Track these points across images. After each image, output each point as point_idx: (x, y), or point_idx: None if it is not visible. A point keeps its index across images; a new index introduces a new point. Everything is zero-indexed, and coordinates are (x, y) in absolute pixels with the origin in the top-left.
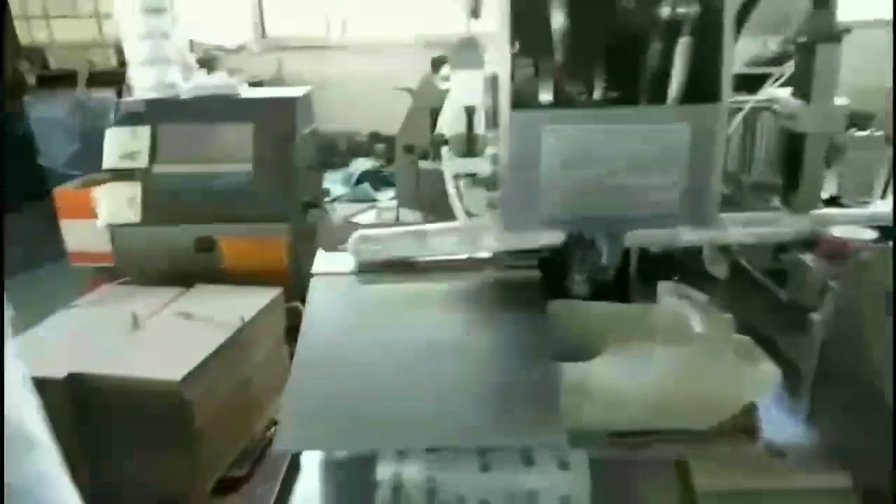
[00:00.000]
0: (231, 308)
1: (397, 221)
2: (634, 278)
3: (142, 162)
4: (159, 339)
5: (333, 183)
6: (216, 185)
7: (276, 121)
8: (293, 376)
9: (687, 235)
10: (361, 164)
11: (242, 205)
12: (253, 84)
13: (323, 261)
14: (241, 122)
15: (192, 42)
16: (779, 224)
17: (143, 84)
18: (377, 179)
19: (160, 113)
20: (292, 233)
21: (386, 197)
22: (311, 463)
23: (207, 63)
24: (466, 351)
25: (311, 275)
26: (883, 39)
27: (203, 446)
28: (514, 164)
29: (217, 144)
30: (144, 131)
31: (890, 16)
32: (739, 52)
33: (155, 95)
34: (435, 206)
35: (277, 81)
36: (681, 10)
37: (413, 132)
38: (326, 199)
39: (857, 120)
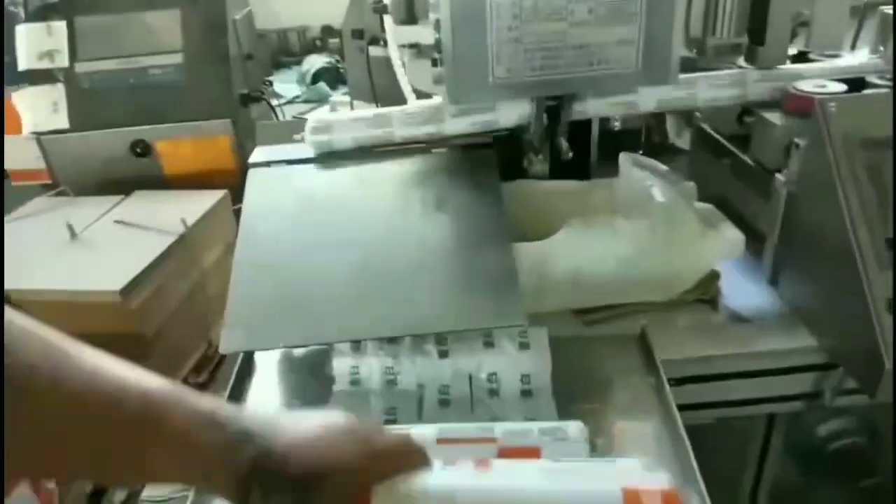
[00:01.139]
0: (173, 213)
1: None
2: (596, 155)
3: (62, 61)
4: (97, 249)
5: (288, 83)
6: (146, 82)
7: (205, 4)
8: (235, 274)
9: (656, 99)
10: (315, 62)
11: (176, 102)
12: None
13: (261, 153)
14: (165, 8)
15: None
16: (749, 81)
17: None
18: (333, 77)
19: (75, 4)
20: (235, 130)
21: (343, 92)
22: (266, 364)
23: None
24: (420, 237)
25: (248, 166)
26: None
27: (154, 356)
28: (456, 27)
29: (142, 36)
30: (60, 27)
31: None
32: None
33: None
34: (390, 94)
35: None
36: None
37: (360, 16)
38: (281, 100)
39: None
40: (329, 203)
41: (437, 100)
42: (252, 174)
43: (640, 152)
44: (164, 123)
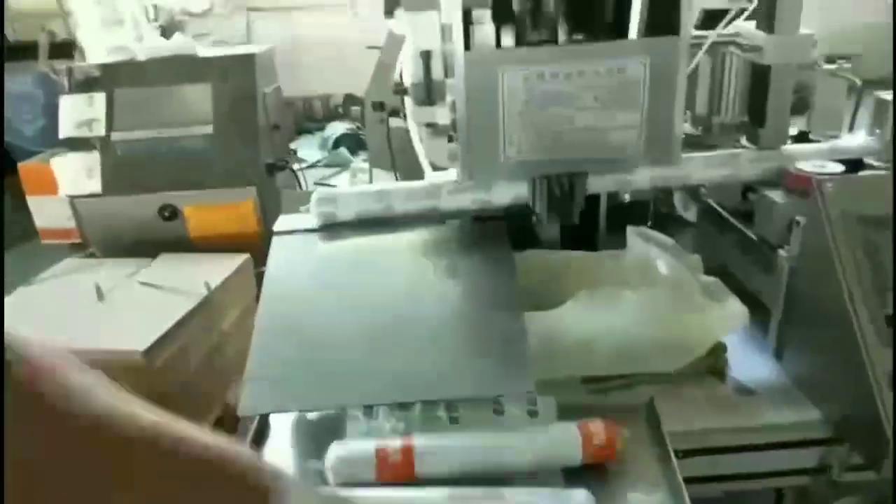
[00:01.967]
0: (197, 276)
1: (370, 183)
2: (604, 226)
3: (99, 130)
4: (123, 310)
5: (310, 148)
6: (177, 150)
7: (236, 79)
8: (255, 338)
9: (650, 177)
10: (337, 128)
11: (204, 169)
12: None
13: (285, 221)
14: (199, 82)
15: (156, 7)
16: (743, 161)
17: (97, 48)
18: (354, 142)
19: (115, 77)
20: (259, 196)
21: (363, 159)
22: (281, 427)
23: (172, 28)
24: (435, 304)
25: (272, 233)
26: None
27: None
28: (471, 110)
29: (176, 107)
30: (100, 98)
31: None
32: None
33: (109, 60)
34: (408, 163)
35: (246, 44)
36: None
37: (381, 89)
38: (303, 164)
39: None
40: (348, 270)
41: (440, 176)
42: (276, 241)
43: (649, 224)
44: (192, 190)
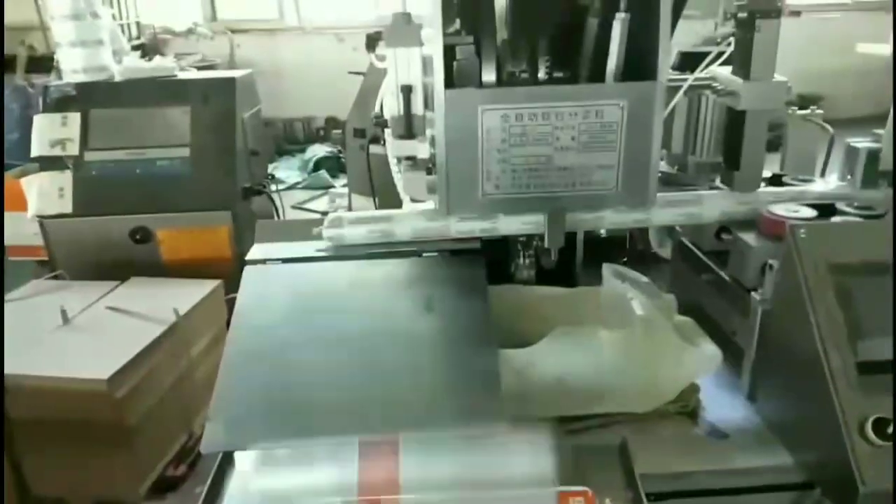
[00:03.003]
0: (166, 301)
1: (349, 208)
2: (582, 261)
3: (72, 149)
4: (88, 335)
5: (290, 170)
6: (152, 172)
7: (216, 102)
8: (222, 371)
9: (625, 217)
10: (318, 151)
11: (180, 192)
12: (203, 68)
13: (258, 251)
14: (177, 104)
15: (138, 25)
16: (718, 204)
17: (73, 66)
18: (335, 165)
19: (91, 97)
20: (235, 221)
21: (343, 183)
22: (246, 460)
23: (155, 46)
24: (406, 337)
25: (245, 263)
26: (832, 24)
27: (137, 446)
28: (450, 146)
29: (152, 129)
30: (75, 117)
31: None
32: (692, 32)
33: (85, 79)
34: (387, 191)
35: (230, 66)
36: None
37: (363, 115)
38: (281, 186)
39: (806, 102)
40: (321, 302)
41: (420, 207)
42: (248, 271)
43: (625, 260)
44: (167, 213)
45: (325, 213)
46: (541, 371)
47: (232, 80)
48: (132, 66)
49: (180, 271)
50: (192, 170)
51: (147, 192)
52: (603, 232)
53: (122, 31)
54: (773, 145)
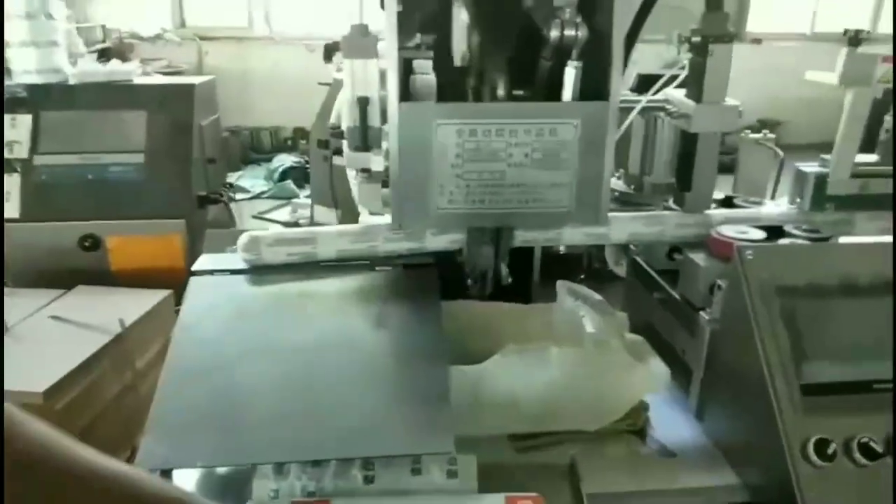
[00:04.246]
0: (113, 311)
1: (311, 219)
2: (539, 277)
3: (21, 152)
4: (28, 345)
5: (256, 179)
6: (104, 178)
7: (173, 109)
8: (161, 385)
9: (576, 234)
10: (284, 160)
11: (133, 199)
12: (169, 75)
13: (205, 261)
14: (133, 109)
15: (104, 28)
16: (669, 224)
17: (24, 67)
18: (301, 175)
19: (43, 99)
20: (188, 230)
21: (308, 194)
22: (185, 479)
23: (121, 51)
24: (355, 352)
25: (192, 273)
26: (793, 52)
27: None
28: (404, 159)
29: (106, 134)
30: (24, 119)
31: (800, 30)
32: (656, 56)
33: (38, 80)
34: (350, 202)
35: (197, 72)
36: (569, 32)
37: (327, 126)
38: (246, 195)
39: (765, 127)
40: (269, 315)
41: (375, 220)
42: (193, 282)
43: (582, 276)
44: (118, 220)
45: (286, 224)
46: (491, 388)
47: (190, 87)
48: (87, 69)
49: (130, 280)
50: (146, 176)
51: (98, 198)
52: (561, 249)
53: (86, 35)
54: (728, 167)
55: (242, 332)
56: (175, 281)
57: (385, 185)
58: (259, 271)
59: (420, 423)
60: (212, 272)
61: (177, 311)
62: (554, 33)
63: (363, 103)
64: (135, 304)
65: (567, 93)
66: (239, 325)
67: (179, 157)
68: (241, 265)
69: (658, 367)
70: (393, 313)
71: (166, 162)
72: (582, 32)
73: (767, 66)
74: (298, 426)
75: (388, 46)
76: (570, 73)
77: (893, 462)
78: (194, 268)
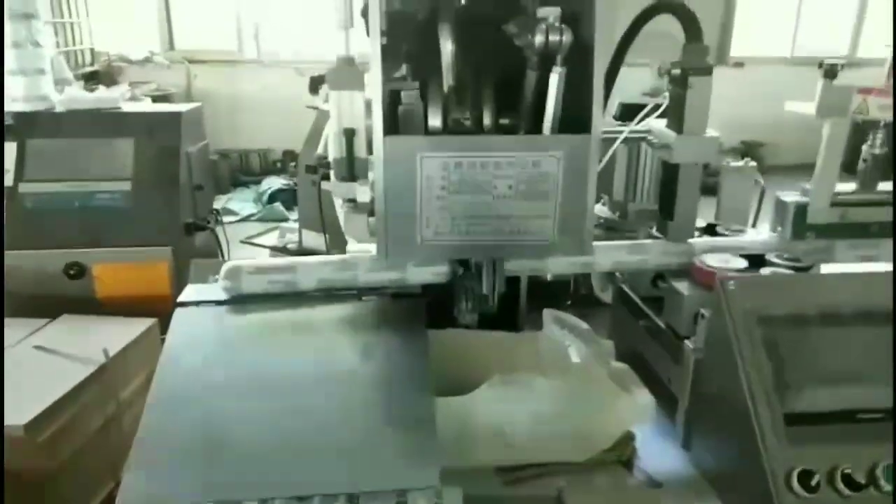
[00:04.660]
0: (97, 341)
1: (299, 244)
2: (526, 305)
3: (7, 180)
4: (11, 376)
5: (245, 202)
6: (90, 206)
7: (160, 136)
8: (145, 417)
9: (561, 263)
10: (274, 183)
11: (119, 227)
12: (158, 98)
13: (191, 292)
14: (120, 137)
15: (93, 51)
16: (652, 252)
17: (12, 95)
18: (290, 198)
19: (30, 127)
20: (175, 258)
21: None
22: None
23: (109, 74)
24: (342, 384)
25: (177, 304)
26: (775, 75)
27: (57, 493)
28: (389, 191)
29: (93, 161)
30: (10, 147)
31: (781, 54)
32: (642, 80)
33: (25, 108)
34: (337, 227)
35: (186, 95)
36: (553, 37)
37: (315, 151)
38: (234, 218)
39: (749, 148)
40: (254, 347)
41: (361, 249)
42: (179, 314)
43: (569, 303)
44: (105, 247)
45: (274, 248)
46: (477, 420)
47: (178, 115)
48: (74, 96)
49: (116, 308)
50: (133, 204)
51: (84, 225)
52: (548, 276)
53: (75, 58)
54: (712, 189)
55: (227, 364)
56: (161, 309)
57: (371, 214)
58: (245, 302)
59: (405, 455)
60: (197, 303)
61: (163, 340)
62: (539, 38)
63: (349, 135)
64: (120, 333)
65: (550, 100)
66: (224, 357)
67: (167, 184)
68: (227, 296)
69: (644, 398)
70: (379, 344)
71: (153, 189)
72: (566, 37)
73: (750, 89)
74: (283, 460)
75: (373, 80)
76: (554, 80)
77: (893, 493)
78: (180, 299)
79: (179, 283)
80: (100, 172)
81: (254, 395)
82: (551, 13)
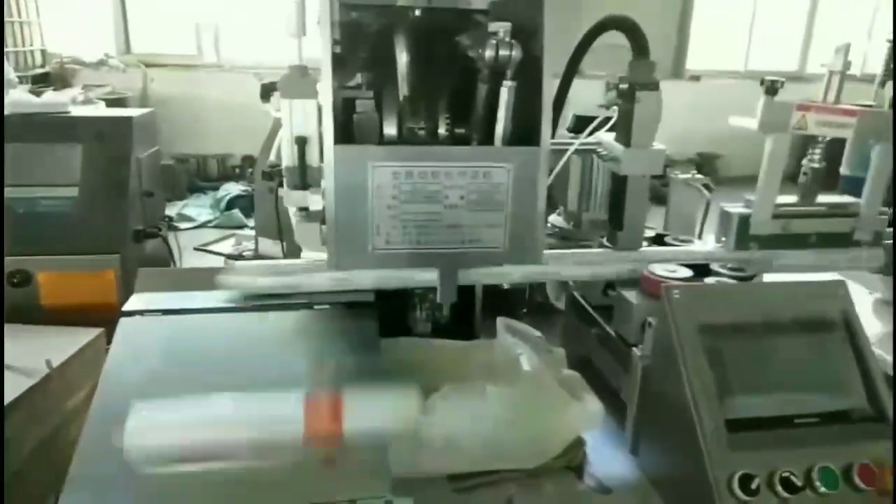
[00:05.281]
0: (40, 351)
1: (255, 252)
2: (482, 313)
3: None
4: None
5: (202, 208)
6: (35, 212)
7: (110, 142)
8: (84, 434)
9: (513, 273)
10: (232, 189)
11: (65, 234)
12: (113, 102)
13: (137, 301)
14: (68, 142)
15: (44, 53)
16: (602, 262)
17: None
18: (249, 204)
19: None
20: (123, 265)
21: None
22: None
23: (62, 76)
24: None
25: (122, 314)
26: (729, 88)
27: None
28: (340, 200)
29: (38, 167)
30: None
31: (735, 68)
32: (593, 95)
33: None
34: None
35: (142, 99)
36: (503, 52)
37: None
38: (191, 224)
39: (704, 160)
40: (201, 358)
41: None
42: (123, 324)
43: (525, 311)
44: (51, 255)
45: (229, 256)
46: (429, 429)
47: (129, 120)
48: (18, 99)
49: (62, 317)
50: (80, 210)
51: (29, 232)
52: (505, 284)
53: (25, 60)
54: (662, 198)
55: (172, 376)
56: (108, 318)
57: (324, 223)
58: (192, 311)
59: (357, 468)
60: (143, 313)
61: (108, 350)
62: (489, 53)
63: (301, 143)
64: (64, 344)
65: (501, 113)
66: (169, 370)
67: (115, 190)
68: (174, 305)
69: (593, 405)
70: (330, 353)
71: (101, 196)
72: (516, 52)
73: (706, 101)
74: (230, 474)
75: (324, 89)
76: (504, 94)
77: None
78: (125, 308)
79: (128, 291)
80: (46, 178)
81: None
82: (502, 28)
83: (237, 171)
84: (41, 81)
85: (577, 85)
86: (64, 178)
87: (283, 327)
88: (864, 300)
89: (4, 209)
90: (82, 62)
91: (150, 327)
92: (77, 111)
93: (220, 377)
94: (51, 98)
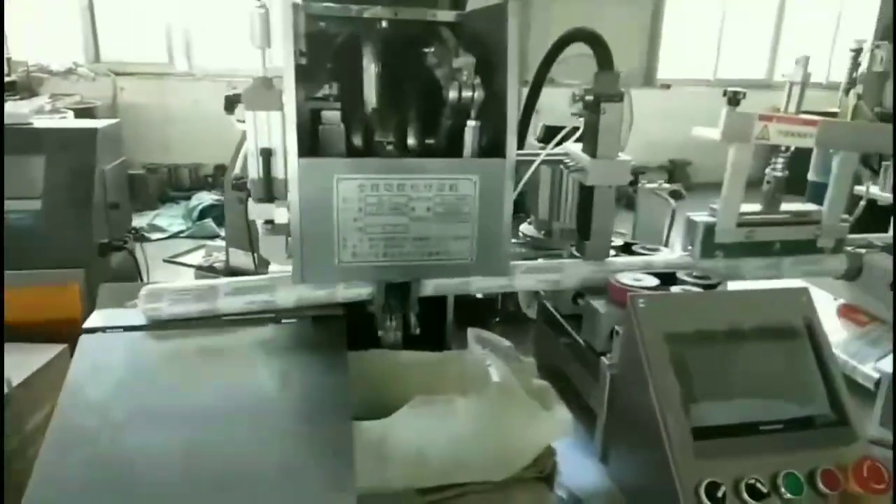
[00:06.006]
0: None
1: (226, 263)
2: (454, 323)
3: None
4: None
5: (173, 218)
6: None
7: (74, 153)
8: (42, 454)
9: (482, 283)
10: (204, 198)
11: (27, 247)
12: (81, 112)
13: (99, 318)
14: (30, 154)
15: (10, 61)
16: (569, 271)
17: None
18: (221, 214)
19: None
20: (87, 280)
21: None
22: None
23: (28, 85)
24: (256, 412)
25: (83, 331)
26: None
27: None
28: (305, 213)
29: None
30: None
31: (704, 76)
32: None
33: None
34: None
35: (112, 109)
36: (466, 94)
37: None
38: (162, 235)
39: (675, 167)
40: (164, 375)
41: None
42: (83, 340)
43: (497, 319)
44: (11, 269)
45: (199, 268)
46: (397, 442)
47: (93, 131)
48: None
49: (25, 333)
50: (43, 224)
51: None
52: (478, 294)
53: None
54: (631, 204)
55: (134, 394)
56: (72, 334)
57: (288, 236)
58: (156, 328)
59: (321, 481)
60: (104, 329)
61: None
62: (452, 94)
63: (266, 155)
64: (25, 361)
65: (467, 149)
66: (131, 388)
67: (79, 203)
68: (137, 321)
69: (562, 414)
70: (297, 369)
71: (65, 208)
72: (479, 94)
73: (677, 109)
74: (191, 496)
75: (287, 101)
76: (469, 132)
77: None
78: (86, 325)
79: (92, 306)
80: (7, 190)
81: (161, 428)
82: (465, 66)
83: (210, 180)
84: (7, 90)
85: (550, 93)
86: (26, 190)
87: (249, 342)
88: (829, 307)
89: None
90: (50, 71)
91: (111, 345)
92: (41, 122)
93: (182, 396)
94: (11, 109)
